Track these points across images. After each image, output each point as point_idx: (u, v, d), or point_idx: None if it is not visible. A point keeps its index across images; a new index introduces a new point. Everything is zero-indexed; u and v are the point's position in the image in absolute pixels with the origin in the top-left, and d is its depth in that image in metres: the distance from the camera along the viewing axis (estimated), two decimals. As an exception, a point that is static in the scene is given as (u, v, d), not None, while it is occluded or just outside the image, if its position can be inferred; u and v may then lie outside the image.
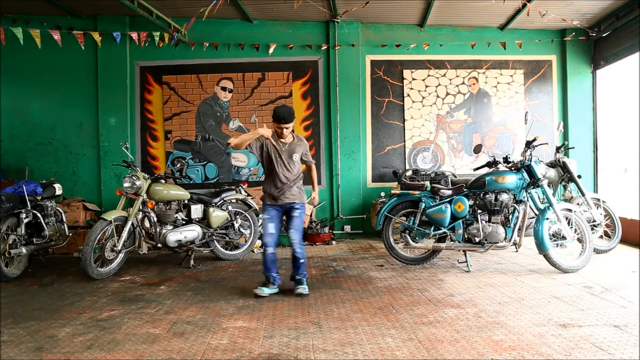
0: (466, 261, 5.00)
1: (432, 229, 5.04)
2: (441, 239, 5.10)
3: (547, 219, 4.74)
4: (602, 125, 7.69)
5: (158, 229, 5.25)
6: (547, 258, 4.69)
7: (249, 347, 2.98)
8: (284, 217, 4.38)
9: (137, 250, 5.99)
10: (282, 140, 4.29)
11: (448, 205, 4.97)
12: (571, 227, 4.85)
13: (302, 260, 4.24)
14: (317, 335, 3.15)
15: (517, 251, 5.64)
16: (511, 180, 4.85)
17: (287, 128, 4.22)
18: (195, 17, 6.23)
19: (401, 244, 5.21)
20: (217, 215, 5.73)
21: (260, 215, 4.39)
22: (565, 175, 5.95)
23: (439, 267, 5.17)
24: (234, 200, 6.02)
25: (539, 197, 4.99)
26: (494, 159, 5.08)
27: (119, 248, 5.05)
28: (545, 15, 6.47)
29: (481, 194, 4.94)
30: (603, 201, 5.75)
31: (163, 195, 5.35)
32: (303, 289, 4.18)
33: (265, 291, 4.16)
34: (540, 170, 4.88)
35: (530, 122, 5.13)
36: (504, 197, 4.85)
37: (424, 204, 5.10)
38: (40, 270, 5.45)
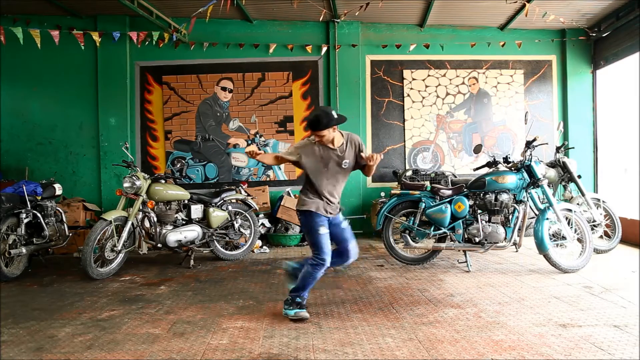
0: (466, 261, 5.00)
1: (432, 229, 5.04)
2: (441, 239, 5.10)
3: (547, 219, 4.74)
4: (602, 125, 7.69)
5: (158, 229, 5.25)
6: (547, 258, 4.69)
7: (249, 347, 2.98)
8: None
9: (137, 250, 5.98)
10: (330, 145, 3.52)
11: (448, 205, 4.97)
12: (571, 227, 4.85)
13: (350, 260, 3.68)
14: (317, 335, 3.15)
15: (517, 251, 5.64)
16: (511, 180, 4.85)
17: (321, 136, 3.42)
18: (195, 18, 6.24)
19: (401, 244, 5.21)
20: (217, 215, 5.73)
21: (317, 228, 3.50)
22: (565, 175, 5.95)
23: (439, 267, 5.17)
24: (234, 200, 6.02)
25: (539, 197, 4.99)
26: (494, 159, 5.08)
27: (119, 248, 5.05)
28: (545, 16, 6.47)
29: (481, 194, 4.94)
30: (603, 201, 5.75)
31: (163, 195, 5.35)
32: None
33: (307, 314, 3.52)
34: (540, 170, 4.88)
35: (530, 122, 5.13)
36: (504, 197, 4.85)
37: (424, 204, 5.10)
38: (40, 270, 5.44)
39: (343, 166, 3.55)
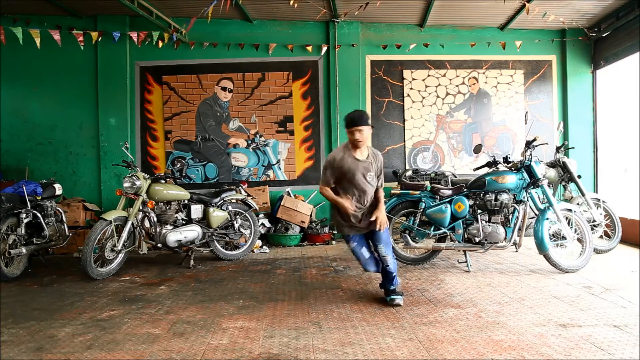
0: (466, 261, 5.00)
1: (432, 229, 5.04)
2: (441, 239, 5.10)
3: (547, 219, 4.74)
4: (602, 125, 7.70)
5: (158, 229, 5.25)
6: (547, 258, 4.69)
7: (249, 347, 2.98)
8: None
9: (137, 250, 5.99)
10: (357, 155, 3.72)
11: (448, 205, 4.96)
12: (571, 227, 4.85)
13: (394, 274, 3.82)
14: (317, 335, 3.15)
15: (517, 251, 5.64)
16: (511, 180, 4.85)
17: (360, 132, 3.62)
18: (196, 18, 6.24)
19: (401, 244, 5.21)
20: (217, 215, 5.73)
21: (348, 243, 3.93)
22: (565, 175, 5.95)
23: (439, 267, 5.17)
24: (234, 200, 6.02)
25: (539, 197, 4.99)
26: (494, 159, 5.08)
27: (119, 248, 5.05)
28: (545, 16, 6.47)
29: (481, 194, 4.94)
30: (603, 201, 5.76)
31: (163, 195, 5.35)
32: (399, 299, 3.81)
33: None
34: (540, 170, 4.88)
35: (530, 122, 5.13)
36: (504, 197, 4.85)
37: (424, 204, 5.09)
38: (40, 270, 5.45)
39: (367, 178, 3.75)
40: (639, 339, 2.93)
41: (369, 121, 3.68)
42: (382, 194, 3.91)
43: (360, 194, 3.76)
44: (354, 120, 3.63)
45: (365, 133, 3.64)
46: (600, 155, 7.72)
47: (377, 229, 3.76)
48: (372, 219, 3.76)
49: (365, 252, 3.86)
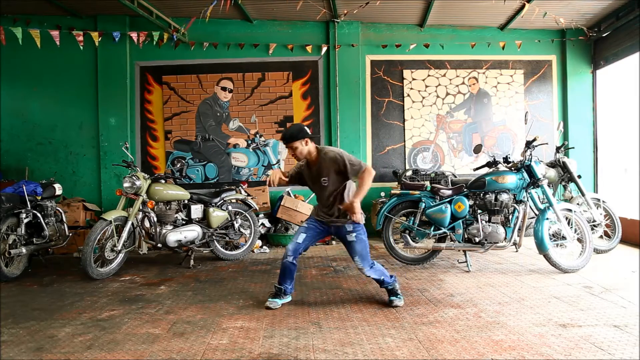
0: (466, 261, 5.00)
1: (432, 229, 5.04)
2: (441, 239, 5.10)
3: (547, 219, 4.74)
4: (602, 125, 7.70)
5: (158, 229, 5.25)
6: (547, 258, 4.69)
7: (249, 347, 2.98)
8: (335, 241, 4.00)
9: (137, 250, 5.99)
10: (310, 164, 3.81)
11: (448, 205, 4.97)
12: (571, 227, 4.85)
13: (381, 278, 3.80)
14: (317, 335, 3.15)
15: (517, 251, 5.64)
16: (511, 180, 4.85)
17: (294, 148, 3.69)
18: (195, 17, 6.24)
19: (401, 244, 5.21)
20: (217, 215, 5.73)
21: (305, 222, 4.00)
22: (565, 175, 5.95)
23: (439, 267, 5.17)
24: (234, 200, 6.03)
25: (539, 197, 4.99)
26: (494, 159, 5.09)
27: (119, 248, 5.05)
28: (545, 16, 6.47)
29: (481, 194, 4.94)
30: (603, 201, 5.76)
31: (163, 195, 5.35)
32: (398, 300, 3.78)
33: (278, 303, 3.80)
34: (540, 170, 4.88)
35: (530, 122, 5.13)
36: (504, 197, 4.85)
37: (424, 204, 5.10)
38: (40, 270, 5.44)
39: (323, 184, 3.76)
40: (639, 339, 2.93)
41: (301, 135, 3.64)
42: (363, 180, 3.62)
43: (322, 199, 3.82)
44: (283, 139, 3.73)
45: (299, 149, 3.68)
46: (600, 155, 7.72)
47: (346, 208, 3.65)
48: (342, 207, 3.67)
49: (300, 237, 3.80)
